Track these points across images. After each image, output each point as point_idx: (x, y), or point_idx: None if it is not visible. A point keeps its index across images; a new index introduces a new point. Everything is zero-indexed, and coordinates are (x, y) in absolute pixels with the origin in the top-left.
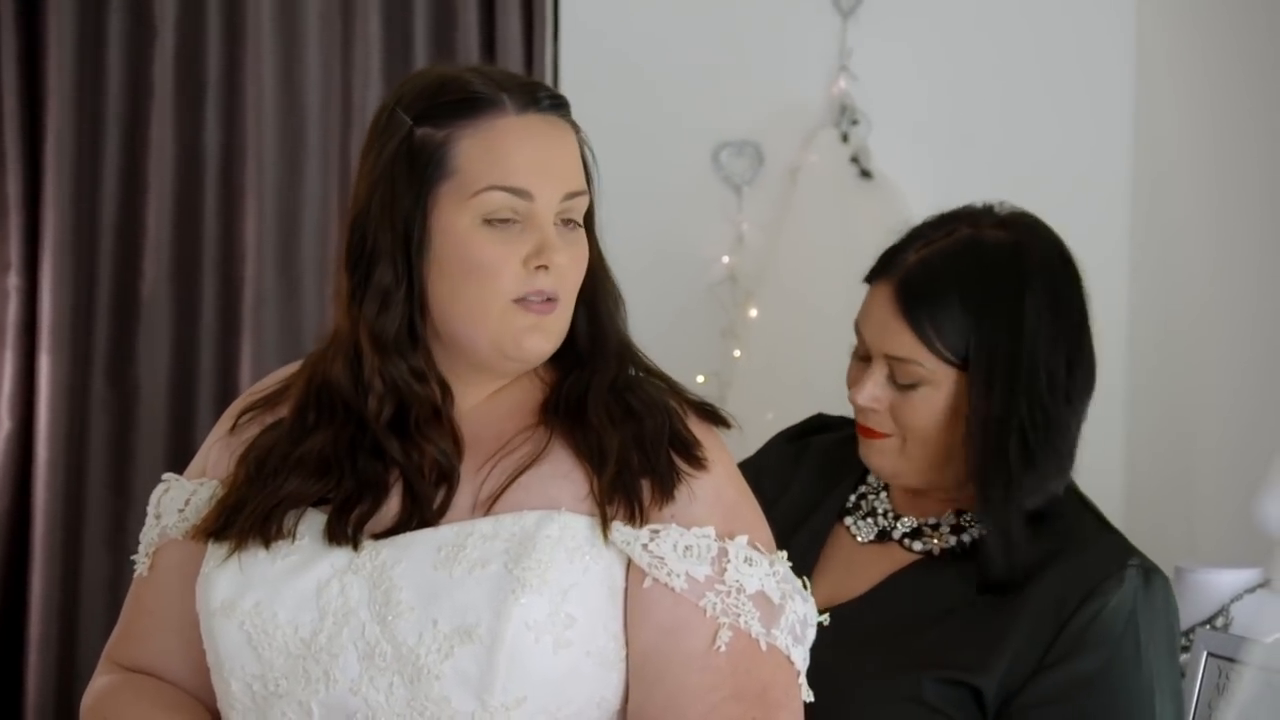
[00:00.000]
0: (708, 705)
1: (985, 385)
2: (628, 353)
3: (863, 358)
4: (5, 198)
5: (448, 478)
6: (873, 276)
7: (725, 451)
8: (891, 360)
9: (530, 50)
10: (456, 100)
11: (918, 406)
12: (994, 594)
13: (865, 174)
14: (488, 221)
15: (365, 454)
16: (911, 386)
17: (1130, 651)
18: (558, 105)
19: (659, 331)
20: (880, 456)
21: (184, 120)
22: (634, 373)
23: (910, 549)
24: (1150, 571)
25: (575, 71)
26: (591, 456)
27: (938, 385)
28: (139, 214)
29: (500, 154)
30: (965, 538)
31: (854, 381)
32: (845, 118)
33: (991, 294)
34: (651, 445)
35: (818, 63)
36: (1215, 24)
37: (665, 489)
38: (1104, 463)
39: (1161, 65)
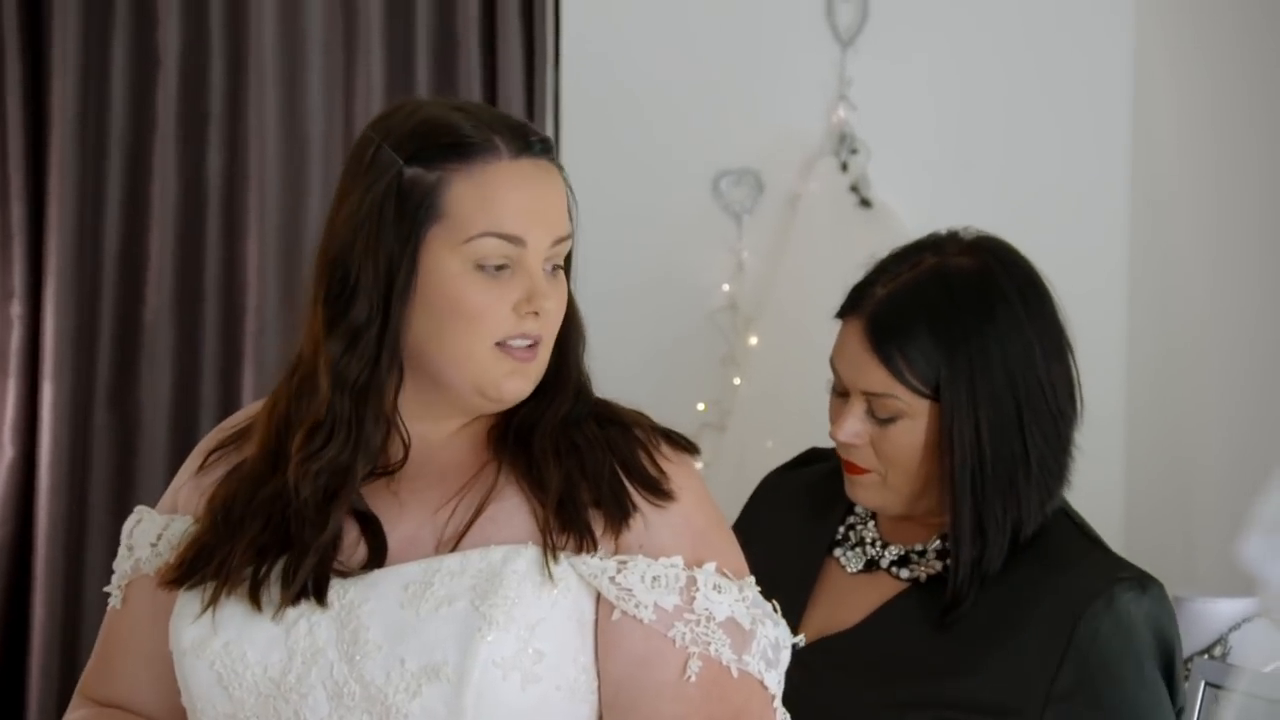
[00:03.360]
0: None
1: (967, 413)
2: (584, 391)
3: (841, 394)
4: (9, 225)
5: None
6: (843, 312)
7: (696, 478)
8: (869, 396)
9: (531, 79)
10: (449, 143)
11: (897, 439)
12: (967, 619)
13: (865, 202)
14: (480, 267)
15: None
16: (890, 420)
17: (1133, 672)
18: (547, 149)
19: (659, 359)
20: (865, 491)
21: (187, 149)
22: (585, 411)
23: (898, 577)
24: (1145, 582)
25: (576, 100)
26: (535, 488)
27: (915, 417)
28: (141, 242)
29: (494, 199)
30: (950, 562)
31: (834, 418)
32: (845, 146)
33: (960, 322)
34: (593, 478)
35: (817, 92)
36: (1214, 45)
37: (615, 518)
38: (1103, 490)
39: (1160, 89)
